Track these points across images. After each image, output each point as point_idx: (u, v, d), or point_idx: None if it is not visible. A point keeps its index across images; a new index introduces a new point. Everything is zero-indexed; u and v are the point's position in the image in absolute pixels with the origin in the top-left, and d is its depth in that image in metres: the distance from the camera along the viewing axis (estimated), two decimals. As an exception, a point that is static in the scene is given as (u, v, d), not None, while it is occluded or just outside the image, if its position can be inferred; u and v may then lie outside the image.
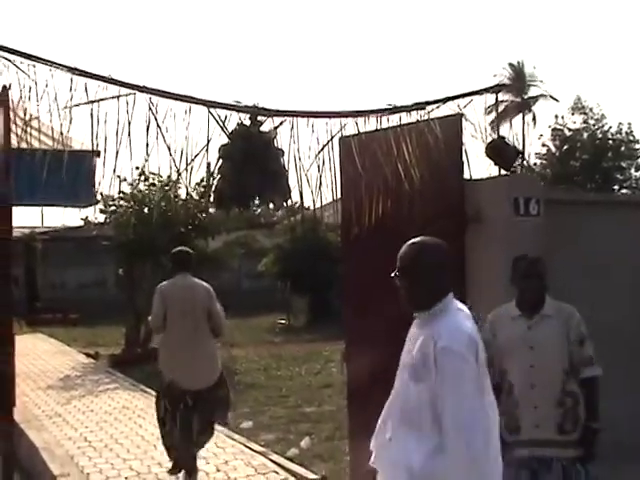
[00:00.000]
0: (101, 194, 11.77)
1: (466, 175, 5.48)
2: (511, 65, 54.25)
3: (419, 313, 3.39)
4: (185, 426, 7.14)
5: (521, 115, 53.40)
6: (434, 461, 3.07)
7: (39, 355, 17.49)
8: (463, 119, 5.45)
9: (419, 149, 5.36)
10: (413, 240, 3.46)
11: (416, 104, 5.50)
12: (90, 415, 10.67)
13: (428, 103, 5.51)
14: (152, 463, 8.04)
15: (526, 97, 54.79)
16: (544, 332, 4.45)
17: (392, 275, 3.48)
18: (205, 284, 7.58)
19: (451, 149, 5.36)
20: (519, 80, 52.85)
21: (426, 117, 5.50)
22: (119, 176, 4.91)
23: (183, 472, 7.27)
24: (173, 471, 7.35)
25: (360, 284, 6.10)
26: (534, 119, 54.45)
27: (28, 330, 22.29)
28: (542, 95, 53.99)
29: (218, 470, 7.68)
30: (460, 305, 3.36)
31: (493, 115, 6.60)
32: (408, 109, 5.48)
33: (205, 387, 7.24)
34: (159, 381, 7.47)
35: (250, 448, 8.46)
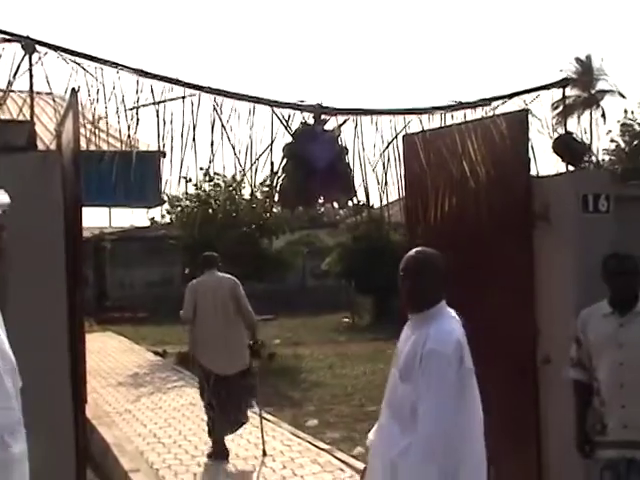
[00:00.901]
0: (167, 195, 11.97)
1: (533, 172, 5.39)
2: (578, 60, 53.13)
3: (414, 315, 3.61)
4: (219, 409, 8.14)
5: (589, 110, 52.36)
6: (406, 456, 3.33)
7: (109, 353, 17.83)
8: (529, 115, 5.36)
9: (484, 146, 5.30)
10: (418, 249, 3.73)
11: (481, 100, 5.44)
12: (159, 412, 10.84)
13: (493, 99, 5.45)
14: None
15: (594, 92, 53.72)
16: (635, 330, 4.36)
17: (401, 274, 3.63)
18: (231, 277, 8.62)
19: (517, 145, 5.28)
20: (586, 75, 51.84)
21: (491, 113, 5.43)
22: (184, 177, 4.96)
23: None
24: (213, 455, 8.19)
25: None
26: (603, 114, 53.36)
27: (98, 328, 22.73)
28: (610, 90, 52.82)
29: (284, 467, 7.73)
30: (451, 311, 3.67)
31: (560, 110, 6.49)
32: (473, 105, 5.43)
33: (232, 373, 8.20)
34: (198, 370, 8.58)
35: (316, 446, 8.48)
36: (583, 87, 51.91)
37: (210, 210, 16.72)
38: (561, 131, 5.47)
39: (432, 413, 3.32)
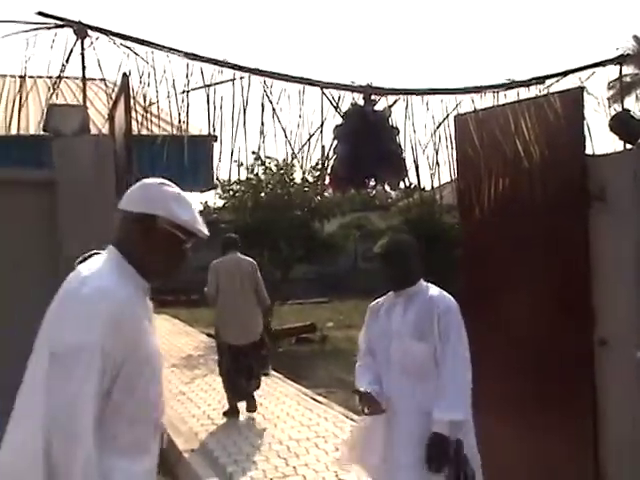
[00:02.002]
0: (218, 179, 12.02)
1: (589, 150, 5.28)
2: (635, 37, 51.91)
3: (402, 291, 4.37)
4: (237, 374, 9.33)
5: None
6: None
7: (163, 335, 18.04)
8: (584, 92, 5.24)
9: (538, 125, 5.21)
10: (394, 236, 4.81)
11: (534, 78, 5.34)
12: (212, 393, 10.95)
13: (547, 77, 5.34)
14: (273, 441, 8.19)
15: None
16: None
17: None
18: (249, 259, 9.69)
19: (572, 124, 5.17)
20: (643, 52, 50.63)
21: (545, 92, 5.32)
22: (236, 161, 4.96)
23: (240, 416, 9.37)
24: (227, 414, 9.36)
25: (478, 266, 5.99)
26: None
27: (153, 311, 23.00)
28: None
29: (337, 449, 7.74)
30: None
31: (617, 88, 6.34)
32: (526, 84, 5.33)
33: (245, 344, 9.35)
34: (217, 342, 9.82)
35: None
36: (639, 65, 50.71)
37: (262, 194, 16.77)
38: (618, 109, 5.35)
39: (465, 362, 4.17)
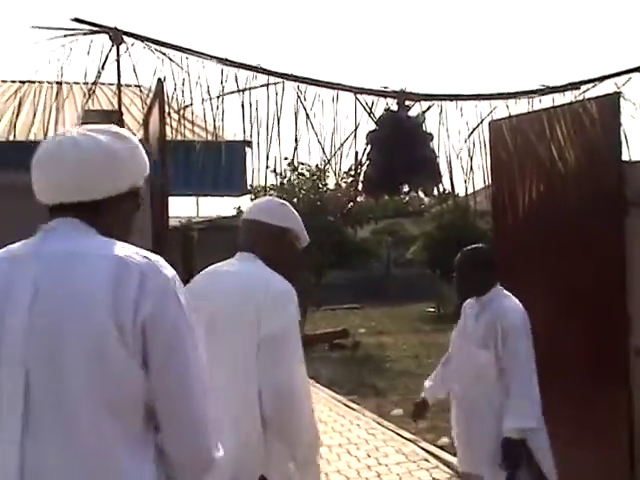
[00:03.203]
0: (251, 185, 12.07)
1: (625, 157, 5.22)
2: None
3: (480, 297, 4.55)
4: None
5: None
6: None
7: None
8: (621, 98, 5.19)
9: (574, 130, 5.15)
10: (468, 247, 4.75)
11: (570, 84, 5.29)
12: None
13: (583, 82, 5.28)
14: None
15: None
16: None
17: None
18: None
19: (608, 130, 5.11)
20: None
21: (581, 97, 5.28)
22: (268, 167, 4.98)
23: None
24: None
25: (513, 272, 5.93)
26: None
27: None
28: None
29: (369, 456, 7.73)
30: (507, 293, 4.54)
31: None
32: (561, 89, 5.28)
33: None
34: None
35: (401, 435, 8.45)
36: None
37: (295, 199, 16.82)
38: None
39: (531, 375, 4.37)
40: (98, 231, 1.88)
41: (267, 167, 4.96)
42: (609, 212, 5.17)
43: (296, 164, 15.92)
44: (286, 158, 6.17)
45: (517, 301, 4.47)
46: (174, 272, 1.86)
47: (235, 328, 2.86)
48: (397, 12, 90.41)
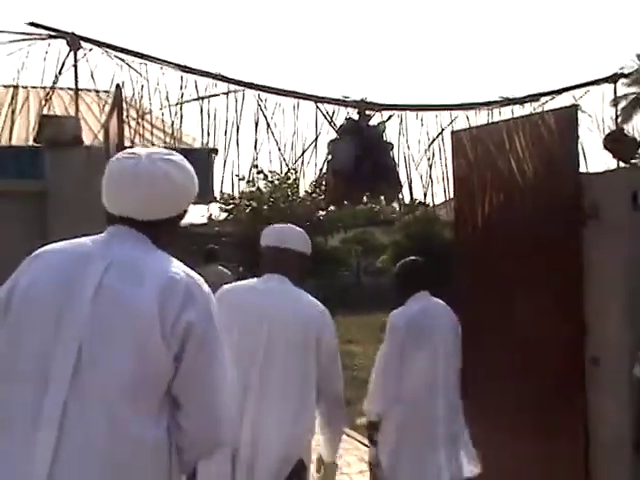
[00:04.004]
0: (221, 192, 12.09)
1: (582, 168, 5.28)
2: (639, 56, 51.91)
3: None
4: None
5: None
6: None
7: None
8: (579, 111, 5.25)
9: (532, 142, 5.22)
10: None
11: (529, 96, 5.35)
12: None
13: (541, 95, 5.35)
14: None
15: (658, 89, 52.50)
16: None
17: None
18: (226, 270, 10.04)
19: (566, 142, 5.17)
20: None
21: (539, 109, 5.34)
22: (237, 175, 4.98)
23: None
24: None
25: (473, 281, 5.99)
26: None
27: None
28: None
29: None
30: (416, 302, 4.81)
31: (621, 107, 6.33)
32: (520, 101, 5.35)
33: None
34: None
35: (365, 444, 8.43)
36: (645, 84, 50.76)
37: (265, 206, 16.82)
38: (612, 127, 5.35)
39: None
40: (155, 244, 2.26)
41: (237, 175, 4.96)
42: (567, 223, 5.23)
43: (266, 172, 15.91)
44: (256, 166, 6.18)
45: (416, 308, 4.74)
46: (209, 289, 2.25)
47: (297, 343, 3.52)
48: (358, 22, 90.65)
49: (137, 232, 2.23)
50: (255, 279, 3.84)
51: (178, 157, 2.36)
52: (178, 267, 2.21)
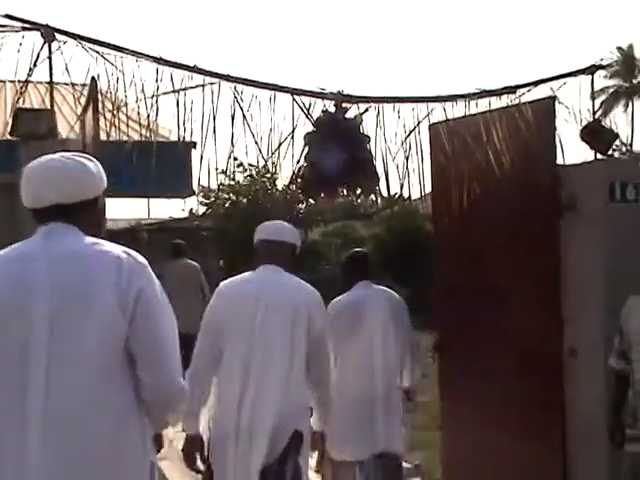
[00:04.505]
0: (199, 185, 12.04)
1: (560, 160, 5.30)
2: (619, 49, 52.33)
3: None
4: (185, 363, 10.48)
5: (629, 100, 51.74)
6: None
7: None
8: (556, 102, 5.26)
9: (509, 134, 5.22)
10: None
11: (506, 88, 5.36)
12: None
13: (519, 86, 5.36)
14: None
15: (636, 82, 52.93)
16: None
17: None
18: (194, 263, 10.90)
19: (543, 133, 5.18)
20: (628, 64, 51.03)
21: (517, 101, 5.35)
22: (217, 168, 4.96)
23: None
24: None
25: (451, 273, 6.00)
26: (645, 105, 52.72)
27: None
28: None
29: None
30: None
31: (602, 100, 6.35)
32: (498, 93, 5.36)
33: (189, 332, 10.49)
34: None
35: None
36: (624, 77, 51.25)
37: (244, 200, 16.76)
38: (590, 119, 5.37)
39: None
40: (79, 227, 2.52)
41: (216, 169, 4.94)
42: (544, 215, 5.24)
43: (246, 166, 15.86)
44: (236, 159, 6.16)
45: (352, 295, 5.11)
46: (146, 261, 2.55)
47: (289, 322, 3.92)
48: (335, 14, 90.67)
49: (65, 224, 2.52)
50: (251, 272, 4.19)
51: (84, 155, 2.70)
52: (116, 247, 2.53)
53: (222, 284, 4.15)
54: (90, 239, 2.51)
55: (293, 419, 3.89)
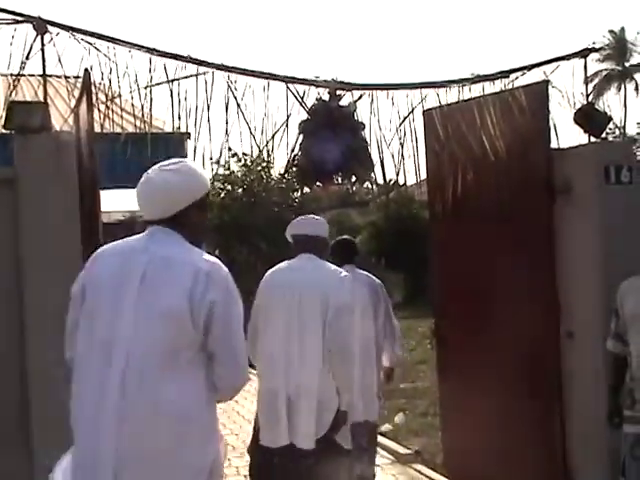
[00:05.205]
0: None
1: (554, 144, 5.31)
2: (612, 32, 52.26)
3: None
4: None
5: (622, 83, 51.72)
6: None
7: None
8: (549, 86, 5.26)
9: (503, 119, 5.22)
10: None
11: (499, 72, 5.35)
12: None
13: (512, 71, 5.35)
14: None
15: (628, 65, 52.88)
16: None
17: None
18: None
19: (537, 118, 5.19)
20: (620, 47, 50.97)
21: (510, 86, 5.34)
22: (211, 158, 4.96)
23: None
24: None
25: (448, 259, 6.02)
26: (637, 88, 52.68)
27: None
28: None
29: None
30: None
31: (594, 84, 6.33)
32: (491, 78, 5.34)
33: None
34: None
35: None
36: (617, 60, 51.19)
37: (240, 190, 16.74)
38: (583, 102, 5.36)
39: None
40: (180, 233, 2.91)
41: (211, 159, 4.94)
42: (538, 199, 5.26)
43: (240, 156, 15.83)
44: (230, 149, 6.15)
45: None
46: (227, 270, 2.92)
47: (317, 305, 4.32)
48: (329, 2, 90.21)
49: (165, 228, 2.92)
50: (290, 260, 4.67)
51: (177, 165, 2.98)
52: (201, 257, 2.89)
53: (268, 272, 4.70)
54: (185, 246, 2.92)
55: (331, 395, 4.31)
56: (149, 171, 2.97)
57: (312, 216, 4.93)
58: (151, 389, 2.76)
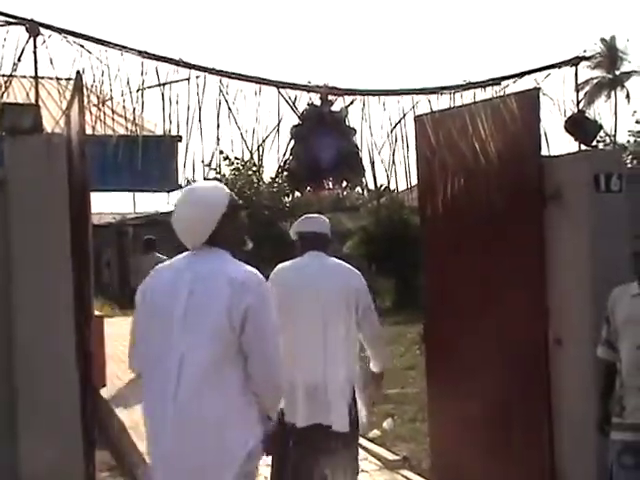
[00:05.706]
0: (187, 179, 12.02)
1: (545, 152, 5.33)
2: (603, 40, 52.49)
3: None
4: None
5: (613, 91, 51.95)
6: None
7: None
8: (541, 94, 5.28)
9: (494, 126, 5.24)
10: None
11: (491, 79, 5.38)
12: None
13: (503, 78, 5.38)
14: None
15: (619, 73, 53.15)
16: None
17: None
18: (164, 257, 10.36)
19: (528, 125, 5.21)
20: (611, 55, 51.20)
21: (501, 93, 5.37)
22: (203, 161, 4.97)
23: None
24: None
25: (437, 264, 6.03)
26: (628, 96, 52.92)
27: (120, 313, 22.80)
28: (635, 71, 52.25)
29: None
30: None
31: (585, 91, 6.37)
32: (482, 85, 5.37)
33: None
34: None
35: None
36: (607, 68, 51.43)
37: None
38: (574, 110, 5.39)
39: None
40: (218, 246, 3.28)
41: (202, 162, 4.95)
42: (529, 206, 5.28)
43: (232, 159, 15.83)
44: (221, 152, 6.15)
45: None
46: (263, 279, 3.30)
47: (343, 300, 4.77)
48: (320, 7, 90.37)
49: (205, 245, 3.29)
50: (298, 259, 4.95)
51: (190, 196, 3.39)
52: (237, 267, 3.25)
53: (278, 267, 4.95)
54: (225, 259, 3.27)
55: (353, 373, 4.86)
56: (175, 212, 3.34)
57: (317, 215, 5.16)
58: (196, 397, 3.10)
